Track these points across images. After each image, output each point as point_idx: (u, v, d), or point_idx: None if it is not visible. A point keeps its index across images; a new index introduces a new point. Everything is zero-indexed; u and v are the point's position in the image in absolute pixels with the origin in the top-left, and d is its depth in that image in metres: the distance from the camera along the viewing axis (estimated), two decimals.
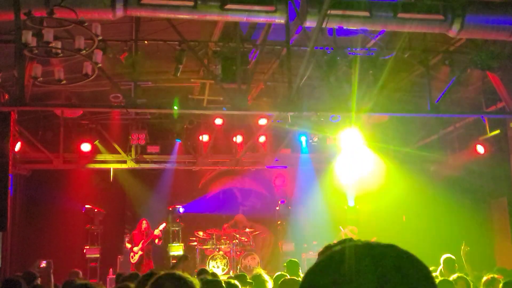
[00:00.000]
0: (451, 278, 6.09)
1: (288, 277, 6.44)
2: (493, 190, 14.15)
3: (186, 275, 2.49)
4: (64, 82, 7.42)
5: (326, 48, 10.67)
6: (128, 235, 14.29)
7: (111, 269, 13.77)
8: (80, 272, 10.25)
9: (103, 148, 14.79)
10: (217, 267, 14.17)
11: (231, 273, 13.66)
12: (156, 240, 13.90)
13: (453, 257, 7.84)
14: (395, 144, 16.13)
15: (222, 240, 15.02)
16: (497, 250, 13.71)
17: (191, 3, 8.43)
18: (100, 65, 7.42)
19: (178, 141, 14.85)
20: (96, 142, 14.46)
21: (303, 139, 15.78)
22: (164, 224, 14.23)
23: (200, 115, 14.62)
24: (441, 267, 7.68)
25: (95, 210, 14.82)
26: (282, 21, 9.18)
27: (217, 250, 14.77)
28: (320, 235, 15.80)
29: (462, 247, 8.14)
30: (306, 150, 16.02)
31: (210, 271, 9.34)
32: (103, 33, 7.54)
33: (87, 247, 14.31)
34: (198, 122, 14.75)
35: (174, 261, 14.46)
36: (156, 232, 13.84)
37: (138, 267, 13.25)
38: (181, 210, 15.36)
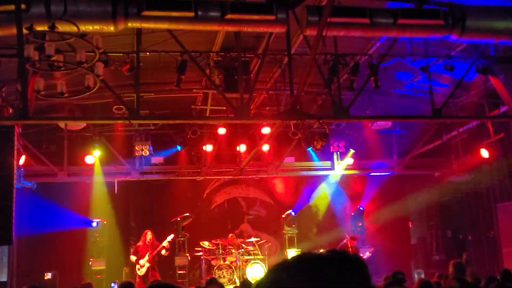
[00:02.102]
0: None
1: None
2: (498, 194, 14.09)
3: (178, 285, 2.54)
4: (66, 95, 7.45)
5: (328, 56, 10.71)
6: (133, 247, 14.23)
7: (117, 281, 13.73)
8: (92, 284, 10.23)
9: (107, 160, 14.82)
10: (223, 277, 14.12)
11: (237, 282, 13.61)
12: (163, 251, 13.83)
13: (462, 261, 7.82)
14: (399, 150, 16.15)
15: (228, 250, 14.98)
16: (504, 254, 13.62)
17: (192, 14, 8.46)
18: (102, 77, 7.45)
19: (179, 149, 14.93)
20: (97, 157, 14.41)
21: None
22: (172, 235, 14.12)
23: (203, 125, 14.66)
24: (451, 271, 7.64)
25: (105, 222, 14.82)
26: (283, 30, 9.21)
27: (222, 260, 14.73)
28: (327, 243, 15.77)
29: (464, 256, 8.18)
30: (316, 158, 15.96)
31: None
32: (105, 46, 7.59)
33: (93, 259, 14.29)
34: (202, 132, 14.78)
35: (180, 272, 14.45)
36: (165, 243, 13.76)
37: (145, 279, 13.21)
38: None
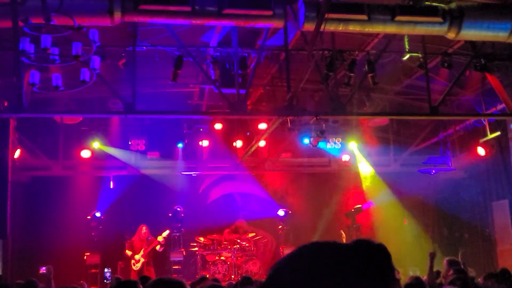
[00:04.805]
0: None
1: None
2: (494, 192, 14.11)
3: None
4: (61, 88, 7.40)
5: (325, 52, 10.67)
6: (128, 241, 14.19)
7: (110, 269, 13.66)
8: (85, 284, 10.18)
9: (103, 154, 14.75)
10: (218, 273, 14.11)
11: (232, 278, 13.61)
12: (158, 247, 13.81)
13: (456, 259, 7.83)
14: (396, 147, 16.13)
15: (223, 246, 14.97)
16: (499, 252, 13.66)
17: (189, 9, 8.41)
18: (97, 71, 7.40)
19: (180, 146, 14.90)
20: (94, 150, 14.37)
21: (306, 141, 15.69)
22: (168, 231, 14.11)
23: (200, 120, 14.61)
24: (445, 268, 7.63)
25: (102, 217, 14.77)
26: (280, 25, 9.17)
27: (218, 255, 14.72)
28: (322, 240, 15.75)
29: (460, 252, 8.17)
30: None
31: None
32: (101, 40, 7.53)
33: (88, 253, 14.24)
34: (198, 127, 14.73)
35: (175, 267, 14.44)
36: (159, 238, 13.75)
37: (140, 274, 13.17)
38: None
